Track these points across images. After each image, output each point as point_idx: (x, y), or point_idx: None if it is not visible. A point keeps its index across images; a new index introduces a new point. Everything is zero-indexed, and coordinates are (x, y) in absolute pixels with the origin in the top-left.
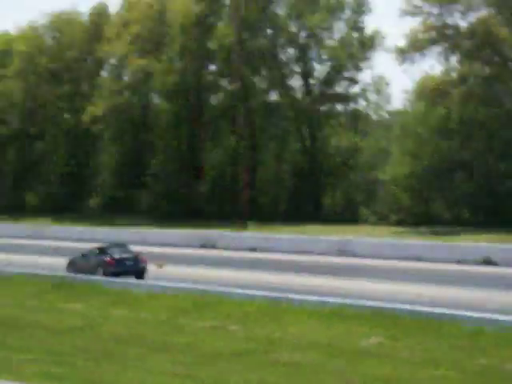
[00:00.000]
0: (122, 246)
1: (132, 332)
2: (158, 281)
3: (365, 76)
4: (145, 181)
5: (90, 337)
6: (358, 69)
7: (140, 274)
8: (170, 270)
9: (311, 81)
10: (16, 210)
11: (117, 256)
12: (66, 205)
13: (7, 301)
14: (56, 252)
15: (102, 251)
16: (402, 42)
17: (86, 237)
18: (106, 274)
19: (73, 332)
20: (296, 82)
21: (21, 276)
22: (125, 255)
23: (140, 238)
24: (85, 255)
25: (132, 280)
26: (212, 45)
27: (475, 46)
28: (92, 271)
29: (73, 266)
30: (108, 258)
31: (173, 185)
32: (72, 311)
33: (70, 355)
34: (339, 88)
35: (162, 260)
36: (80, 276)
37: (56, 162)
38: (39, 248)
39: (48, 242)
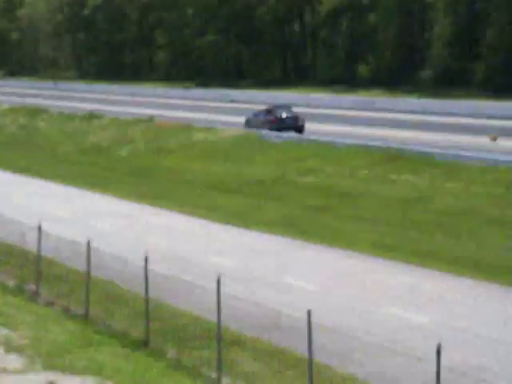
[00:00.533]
0: (285, 107)
1: (464, 205)
2: (491, 154)
3: None
4: (479, 52)
5: (422, 209)
6: None
7: (298, 130)
8: (504, 143)
9: None
10: (348, 81)
11: (279, 115)
12: (398, 76)
13: (340, 170)
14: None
15: (269, 111)
16: None
17: (417, 109)
18: (270, 129)
19: (405, 203)
20: None
21: (352, 147)
22: (286, 115)
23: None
24: (256, 114)
25: (465, 153)
26: None
27: None
28: (261, 127)
29: (248, 123)
30: (272, 117)
31: (509, 57)
32: (404, 183)
33: (402, 226)
34: None
35: (496, 133)
36: (411, 148)
37: (388, 33)
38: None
39: (380, 113)
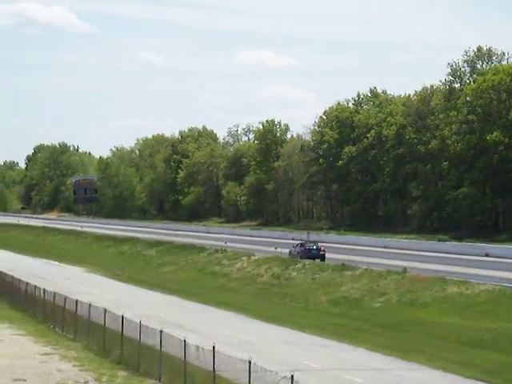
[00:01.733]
0: (313, 242)
1: None
2: None
3: None
4: None
5: None
6: None
7: (321, 257)
8: None
9: None
10: None
11: (307, 247)
12: None
13: None
14: None
15: (302, 245)
16: None
17: None
18: (301, 257)
19: None
20: None
21: None
22: (313, 246)
23: None
24: (294, 247)
25: None
26: None
27: None
28: (296, 256)
29: (290, 253)
30: (303, 248)
31: None
32: None
33: None
34: None
35: None
36: None
37: None
38: None
39: None
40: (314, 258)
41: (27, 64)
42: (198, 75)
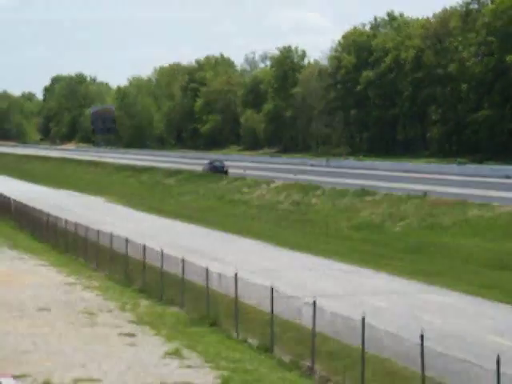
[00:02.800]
0: (219, 161)
1: None
2: None
3: None
4: None
5: None
6: None
7: (225, 172)
8: None
9: None
10: None
11: (215, 165)
12: None
13: None
14: None
15: (211, 163)
16: None
17: None
18: (210, 172)
19: None
20: None
21: None
22: (218, 164)
23: None
24: (206, 164)
25: None
26: None
27: None
28: (207, 171)
29: (203, 170)
30: (211, 166)
31: None
32: None
33: None
34: None
35: None
36: None
37: None
38: None
39: None
40: (219, 173)
41: None
42: (212, 2)
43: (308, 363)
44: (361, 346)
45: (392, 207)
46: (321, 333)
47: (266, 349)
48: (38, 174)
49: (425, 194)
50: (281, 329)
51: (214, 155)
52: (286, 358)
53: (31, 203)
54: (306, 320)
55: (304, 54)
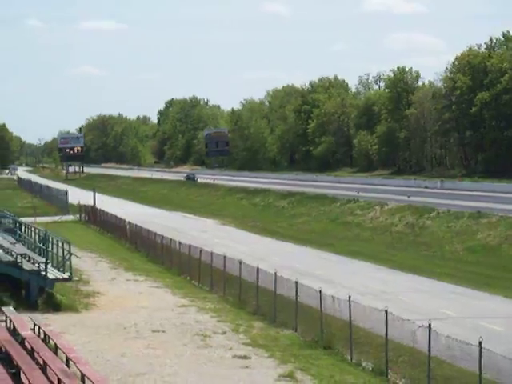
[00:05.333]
0: (193, 174)
1: None
2: None
3: None
4: None
5: None
6: None
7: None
8: None
9: None
10: None
11: (189, 176)
12: None
13: None
14: None
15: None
16: None
17: None
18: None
19: None
20: None
21: None
22: (191, 175)
23: None
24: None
25: None
26: None
27: None
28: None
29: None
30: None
31: None
32: None
33: None
34: None
35: None
36: None
37: None
38: None
39: None
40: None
41: (159, 19)
42: (325, 25)
43: None
44: (478, 371)
45: (509, 230)
46: (435, 356)
47: (381, 372)
48: (152, 197)
49: None
50: (395, 352)
51: (327, 177)
52: (401, 382)
53: (146, 225)
54: (420, 343)
55: (418, 75)
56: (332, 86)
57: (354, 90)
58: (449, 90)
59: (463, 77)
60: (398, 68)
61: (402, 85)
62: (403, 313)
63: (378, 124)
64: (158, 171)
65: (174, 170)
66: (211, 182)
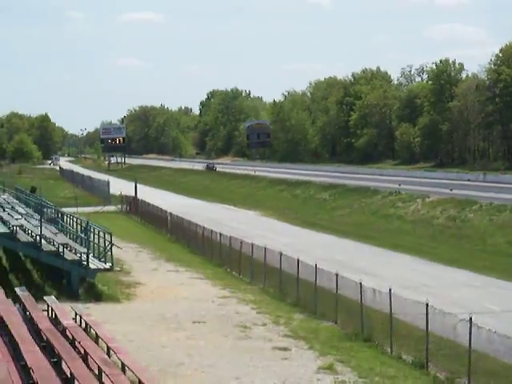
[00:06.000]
0: (212, 162)
1: None
2: None
3: None
4: None
5: None
6: None
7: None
8: None
9: None
10: None
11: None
12: None
13: None
14: None
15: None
16: None
17: None
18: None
19: None
20: None
21: None
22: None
23: None
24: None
25: None
26: None
27: None
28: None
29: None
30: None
31: None
32: None
33: None
34: None
35: None
36: None
37: None
38: None
39: None
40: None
41: (199, 11)
42: (367, 16)
43: (465, 381)
44: None
45: None
46: (476, 350)
47: (421, 365)
48: (193, 188)
49: None
50: (435, 345)
51: (368, 169)
52: (442, 375)
53: (187, 216)
54: (461, 337)
55: (461, 68)
56: (374, 78)
57: (395, 81)
58: (493, 82)
59: (507, 69)
60: (441, 60)
61: (445, 77)
62: (444, 306)
63: (420, 116)
64: (199, 162)
65: (215, 161)
66: (252, 173)
